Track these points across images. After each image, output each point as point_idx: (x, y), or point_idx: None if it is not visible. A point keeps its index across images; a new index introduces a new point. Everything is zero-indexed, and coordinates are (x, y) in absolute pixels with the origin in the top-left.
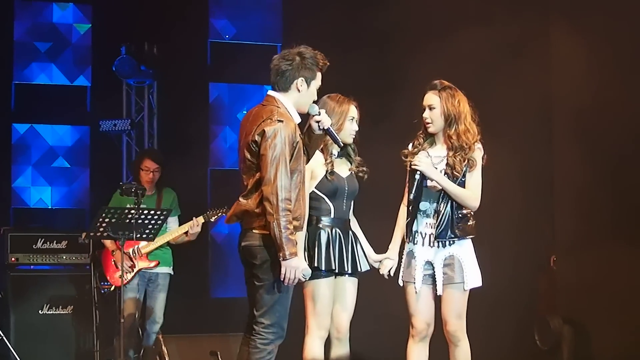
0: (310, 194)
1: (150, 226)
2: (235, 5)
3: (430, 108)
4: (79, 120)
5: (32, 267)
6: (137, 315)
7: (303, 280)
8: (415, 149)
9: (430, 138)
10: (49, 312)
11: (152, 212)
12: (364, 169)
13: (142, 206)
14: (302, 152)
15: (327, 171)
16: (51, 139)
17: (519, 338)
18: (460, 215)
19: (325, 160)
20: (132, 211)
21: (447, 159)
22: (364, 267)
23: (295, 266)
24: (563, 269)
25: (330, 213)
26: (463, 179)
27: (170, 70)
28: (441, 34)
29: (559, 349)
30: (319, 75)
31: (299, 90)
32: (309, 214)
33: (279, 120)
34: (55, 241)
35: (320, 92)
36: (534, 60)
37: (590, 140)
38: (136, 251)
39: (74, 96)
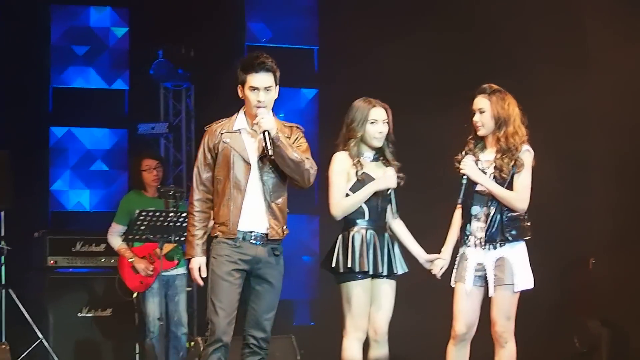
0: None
1: None
2: (271, 9)
3: (481, 111)
4: (116, 124)
5: (70, 269)
6: (162, 319)
7: (200, 282)
8: (466, 154)
9: (481, 143)
10: (87, 315)
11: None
12: (401, 174)
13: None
14: (230, 160)
15: (356, 173)
16: (89, 142)
17: (558, 340)
18: (509, 217)
19: (353, 161)
20: (171, 214)
21: (495, 161)
22: (400, 269)
23: (191, 267)
24: (601, 270)
25: (364, 215)
26: (511, 181)
27: (208, 74)
28: (480, 41)
29: (597, 351)
30: (249, 77)
31: (242, 97)
32: (346, 216)
33: (205, 129)
34: (93, 244)
35: (358, 94)
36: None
37: (628, 139)
38: (153, 255)
39: (112, 99)
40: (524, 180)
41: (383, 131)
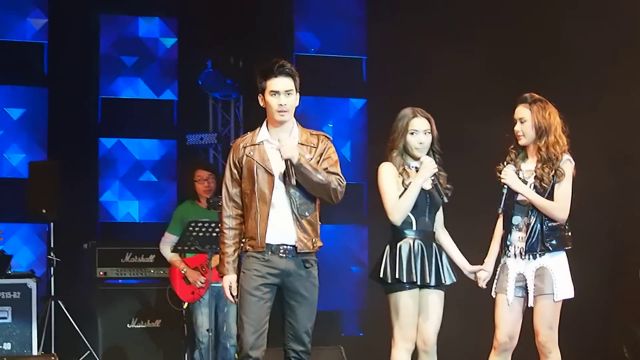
0: None
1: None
2: (320, 18)
3: (522, 121)
4: (165, 134)
5: (119, 280)
6: (211, 330)
7: (232, 299)
8: (507, 164)
9: (523, 152)
10: (136, 326)
11: None
12: (448, 185)
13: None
14: (253, 172)
15: (403, 182)
16: (138, 153)
17: (607, 349)
18: (550, 227)
19: (398, 171)
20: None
21: (536, 171)
22: (448, 279)
23: (222, 285)
24: None
25: (412, 225)
26: (552, 191)
27: (256, 84)
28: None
29: None
30: (268, 82)
31: (264, 107)
32: (392, 227)
33: (231, 146)
34: (142, 255)
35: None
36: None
37: None
38: (205, 266)
39: (161, 110)
40: (564, 190)
41: (424, 142)
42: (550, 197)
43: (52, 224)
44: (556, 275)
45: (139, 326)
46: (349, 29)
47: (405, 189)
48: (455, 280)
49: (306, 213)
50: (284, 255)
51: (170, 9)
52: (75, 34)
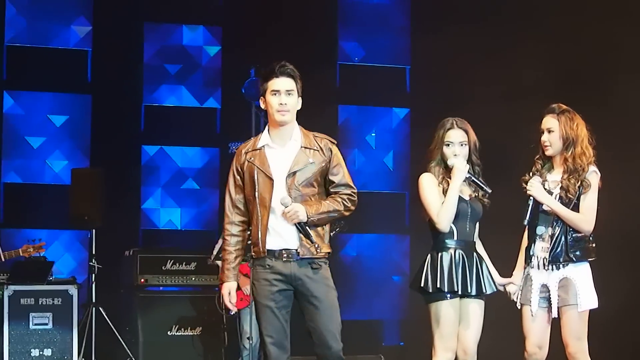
0: None
1: None
2: (364, 28)
3: (549, 131)
4: (208, 142)
5: (160, 288)
6: (252, 338)
7: (231, 307)
8: (533, 175)
9: (548, 163)
10: (177, 333)
11: None
12: (486, 201)
13: None
14: (254, 177)
15: (443, 192)
16: (180, 161)
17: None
18: (573, 238)
19: (438, 181)
20: None
21: (562, 182)
22: (489, 289)
23: (222, 293)
24: None
25: (453, 235)
26: (577, 202)
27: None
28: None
29: None
30: (270, 83)
31: (265, 109)
32: (433, 236)
33: (234, 152)
34: (184, 263)
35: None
36: None
37: None
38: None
39: (204, 118)
40: (590, 202)
41: (458, 153)
42: (576, 208)
43: (94, 230)
44: (580, 286)
45: (180, 333)
46: (393, 38)
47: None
48: (495, 290)
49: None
50: (288, 260)
51: (215, 17)
52: (120, 41)
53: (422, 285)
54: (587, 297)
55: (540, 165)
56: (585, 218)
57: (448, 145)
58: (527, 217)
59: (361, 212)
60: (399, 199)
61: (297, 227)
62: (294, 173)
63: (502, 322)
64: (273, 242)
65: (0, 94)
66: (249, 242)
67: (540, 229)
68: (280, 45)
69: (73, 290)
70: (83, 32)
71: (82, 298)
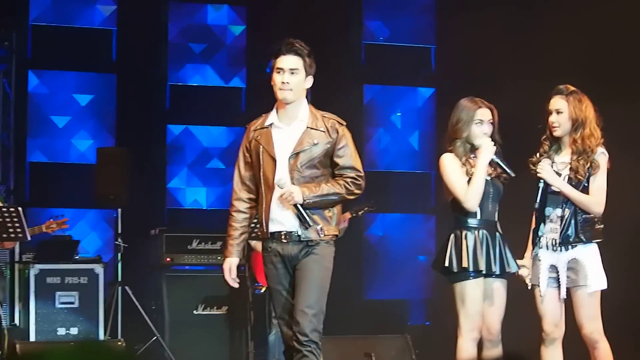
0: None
1: None
2: (389, 7)
3: (558, 112)
4: (233, 122)
5: (186, 267)
6: None
7: (232, 282)
8: (541, 156)
9: (556, 144)
10: (203, 312)
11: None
12: (505, 175)
13: None
14: (259, 156)
15: (466, 172)
16: (206, 140)
17: None
18: (583, 219)
19: (461, 161)
20: None
21: (571, 163)
22: (512, 268)
23: (223, 267)
24: None
25: (477, 215)
26: (587, 184)
27: (324, 72)
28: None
29: None
30: (275, 61)
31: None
32: (455, 216)
33: (246, 127)
34: (210, 242)
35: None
36: None
37: None
38: None
39: (229, 97)
40: (599, 183)
41: (487, 132)
42: (585, 189)
43: (119, 210)
44: (589, 267)
45: (206, 312)
46: (418, 17)
47: (470, 177)
48: (518, 269)
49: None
50: (286, 241)
51: None
52: (144, 20)
53: (446, 264)
54: (596, 278)
55: (547, 147)
56: (595, 200)
57: (477, 123)
58: (538, 200)
59: (387, 192)
60: (424, 178)
61: (296, 209)
62: (297, 154)
63: (524, 301)
64: (274, 224)
65: (25, 73)
66: (256, 220)
67: (548, 210)
68: (305, 24)
69: (99, 269)
70: (108, 11)
71: (108, 277)
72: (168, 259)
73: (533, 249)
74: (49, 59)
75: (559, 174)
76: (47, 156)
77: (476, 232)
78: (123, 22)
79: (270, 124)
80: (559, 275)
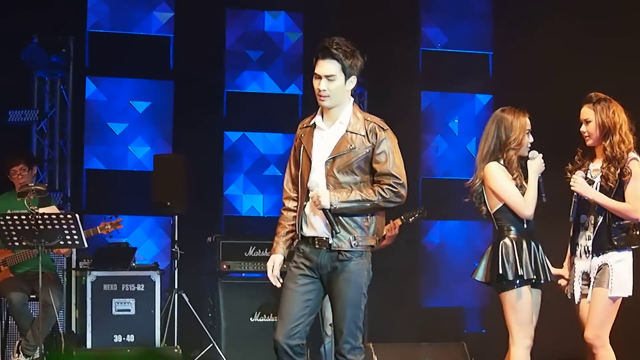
0: (504, 205)
1: None
2: (446, 14)
3: (587, 122)
4: (290, 129)
5: (243, 274)
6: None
7: (274, 280)
8: (575, 165)
9: (591, 152)
10: (259, 320)
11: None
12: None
13: None
14: (300, 156)
15: (517, 185)
16: (263, 147)
17: None
18: (616, 226)
19: (512, 176)
20: None
21: (602, 170)
22: (550, 277)
23: (267, 264)
24: None
25: (525, 223)
26: (619, 190)
27: (381, 79)
28: None
29: None
30: (315, 66)
31: None
32: (500, 226)
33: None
34: (266, 249)
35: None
36: None
37: None
38: None
39: (286, 104)
40: (634, 190)
41: (531, 141)
42: (617, 196)
43: (176, 217)
44: (616, 271)
45: (262, 320)
46: (476, 24)
47: (521, 187)
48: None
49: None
50: (319, 247)
51: (296, 3)
52: (202, 27)
53: (500, 272)
54: (620, 284)
55: (581, 154)
56: (633, 207)
57: (528, 133)
58: (573, 213)
59: (444, 199)
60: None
61: (325, 213)
62: (334, 159)
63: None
64: (306, 228)
65: (83, 80)
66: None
67: (583, 218)
68: (361, 31)
69: (155, 276)
70: (165, 18)
71: (164, 284)
72: (224, 266)
73: (571, 257)
74: (107, 66)
75: (592, 182)
76: (104, 163)
77: (525, 240)
78: (180, 29)
79: (314, 124)
80: (589, 283)
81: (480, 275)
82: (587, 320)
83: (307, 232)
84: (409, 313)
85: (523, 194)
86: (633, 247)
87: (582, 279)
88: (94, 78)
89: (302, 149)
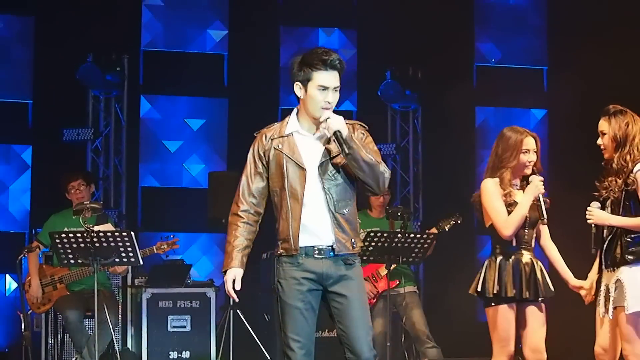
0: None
1: (417, 249)
2: (500, 29)
3: (602, 134)
4: None
5: None
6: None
7: (234, 295)
8: (602, 182)
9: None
10: (318, 335)
11: (418, 235)
12: (547, 200)
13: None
14: (283, 167)
15: (507, 202)
16: None
17: None
18: (629, 240)
19: (504, 191)
20: (399, 235)
21: (610, 184)
22: (546, 293)
23: (225, 279)
24: None
25: (512, 242)
26: (627, 203)
27: (435, 95)
28: None
29: None
30: (317, 75)
31: (300, 97)
32: (492, 242)
33: (255, 135)
34: None
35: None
36: None
37: None
38: (376, 275)
39: None
40: None
41: (532, 160)
42: (626, 208)
43: None
44: (629, 287)
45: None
46: (530, 39)
47: (510, 205)
48: (552, 294)
49: (344, 210)
50: (320, 257)
51: (349, 20)
52: (256, 45)
53: (479, 289)
54: (635, 300)
55: (605, 170)
56: None
57: (525, 152)
58: (593, 244)
59: None
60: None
61: (335, 137)
62: (326, 162)
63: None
64: (305, 239)
65: (138, 98)
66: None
67: (605, 232)
68: (415, 47)
69: (211, 292)
70: (219, 36)
71: (220, 301)
72: None
73: (599, 270)
74: (161, 84)
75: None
76: (158, 181)
77: (510, 258)
78: (234, 46)
79: (292, 132)
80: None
81: (472, 288)
82: (620, 340)
83: (306, 241)
84: (466, 328)
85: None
86: None
87: (605, 293)
88: (149, 96)
89: (285, 159)
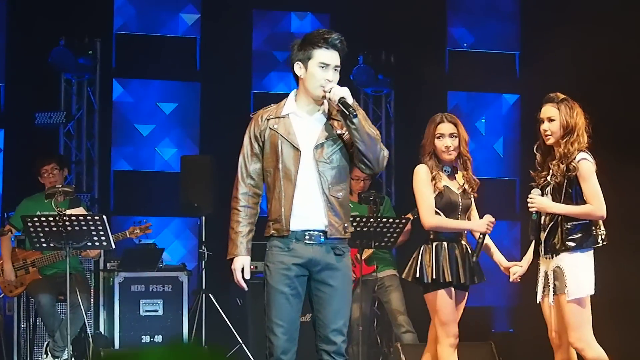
0: None
1: (389, 234)
2: (473, 14)
3: (550, 120)
4: None
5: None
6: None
7: (243, 285)
8: (538, 171)
9: (551, 155)
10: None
11: (390, 220)
12: (476, 179)
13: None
14: (277, 147)
15: (436, 185)
16: None
17: None
18: (569, 226)
19: (432, 174)
20: (372, 220)
21: (552, 168)
22: (479, 279)
23: (233, 267)
24: None
25: None
26: (570, 190)
27: (408, 79)
28: None
29: None
30: (318, 52)
31: (300, 77)
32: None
33: (251, 117)
34: None
35: None
36: None
37: None
38: (354, 260)
39: None
40: (592, 189)
41: (448, 145)
42: (568, 195)
43: (203, 218)
44: (569, 274)
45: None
46: (502, 24)
47: (438, 194)
48: (484, 280)
49: (338, 194)
50: (311, 242)
51: (322, 4)
52: (228, 29)
53: (417, 276)
54: (576, 286)
55: (539, 157)
56: (594, 207)
57: (439, 137)
58: (533, 232)
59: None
60: (509, 185)
61: (339, 105)
62: (322, 144)
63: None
64: (297, 222)
65: (110, 82)
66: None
67: (543, 219)
68: (388, 31)
69: (183, 277)
70: (192, 19)
71: (192, 285)
72: (252, 267)
73: (533, 257)
74: (133, 68)
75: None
76: (131, 165)
77: (445, 244)
78: (207, 30)
79: (288, 113)
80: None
81: (404, 273)
82: (566, 327)
83: (297, 224)
84: None
85: (439, 199)
86: (586, 248)
87: (544, 280)
88: (121, 80)
89: (280, 140)
